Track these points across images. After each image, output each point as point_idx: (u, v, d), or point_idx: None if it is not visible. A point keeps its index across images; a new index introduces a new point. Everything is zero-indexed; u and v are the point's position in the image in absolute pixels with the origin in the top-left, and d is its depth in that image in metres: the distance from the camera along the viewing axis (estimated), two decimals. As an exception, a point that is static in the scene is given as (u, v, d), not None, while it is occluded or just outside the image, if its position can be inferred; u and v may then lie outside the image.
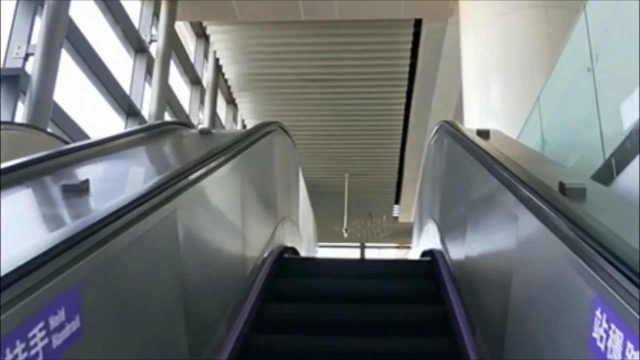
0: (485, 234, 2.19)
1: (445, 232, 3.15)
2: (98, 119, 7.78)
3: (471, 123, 7.58)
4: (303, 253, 5.06)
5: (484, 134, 2.74)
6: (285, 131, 4.20)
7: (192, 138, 2.84)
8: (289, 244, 4.15)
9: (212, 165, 1.99)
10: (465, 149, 2.54)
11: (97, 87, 7.30)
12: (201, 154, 2.07)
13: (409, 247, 20.02)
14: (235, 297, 2.32)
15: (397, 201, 16.68)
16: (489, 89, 7.26)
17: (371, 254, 20.28)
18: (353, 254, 20.10)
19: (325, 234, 18.53)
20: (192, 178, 1.81)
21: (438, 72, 10.29)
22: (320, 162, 14.55)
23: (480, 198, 2.31)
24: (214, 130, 2.90)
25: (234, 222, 2.36)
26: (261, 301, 2.70)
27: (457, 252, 2.75)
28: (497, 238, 2.01)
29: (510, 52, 6.99)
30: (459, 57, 8.32)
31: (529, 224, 1.63)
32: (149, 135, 2.75)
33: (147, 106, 8.18)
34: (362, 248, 20.32)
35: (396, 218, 17.61)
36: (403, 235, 19.07)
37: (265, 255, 2.99)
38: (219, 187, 2.14)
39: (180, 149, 2.49)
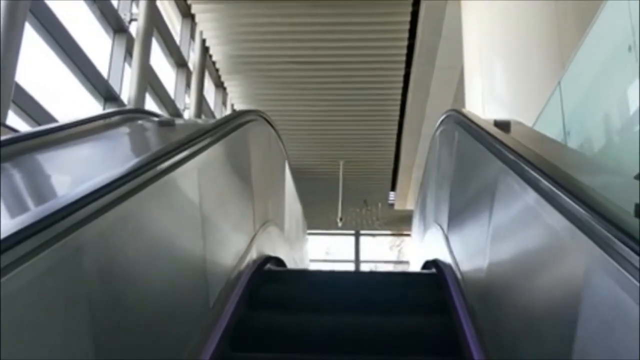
0: (522, 256, 1.69)
1: (455, 242, 2.65)
2: (73, 104, 7.24)
3: (474, 108, 7.09)
4: (290, 263, 4.54)
5: (503, 125, 2.24)
6: (268, 121, 3.67)
7: (148, 131, 2.34)
8: (273, 253, 3.63)
9: (150, 174, 1.48)
10: (485, 146, 2.05)
11: (71, 69, 6.76)
12: (140, 159, 1.57)
13: (403, 235, 19.66)
14: (188, 344, 1.78)
15: (393, 188, 16.20)
16: (493, 72, 6.76)
17: (367, 243, 19.88)
18: (347, 242, 19.69)
19: (319, 222, 18.12)
20: (110, 199, 1.28)
21: (437, 54, 9.76)
22: (314, 149, 14.03)
23: (510, 209, 1.81)
24: (177, 121, 2.39)
25: (187, 242, 1.84)
26: (227, 348, 2.15)
27: (473, 269, 2.25)
28: (543, 265, 1.52)
29: (517, 32, 6.49)
30: (460, 38, 7.81)
31: (591, 255, 1.14)
32: (99, 126, 2.24)
33: (127, 90, 7.64)
34: (357, 236, 19.91)
35: (392, 205, 17.15)
36: (399, 223, 18.64)
37: (239, 271, 2.46)
38: (162, 200, 1.63)
39: (122, 148, 1.97)
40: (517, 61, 6.39)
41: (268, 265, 3.33)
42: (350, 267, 19.63)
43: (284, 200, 4.48)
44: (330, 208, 15.52)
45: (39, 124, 5.92)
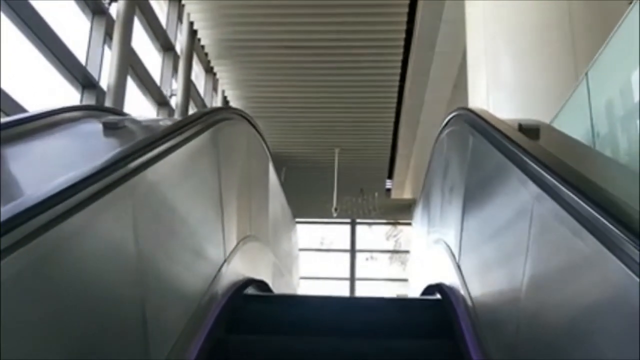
0: (572, 308, 1.25)
1: (470, 270, 2.19)
2: (47, 92, 6.75)
3: (477, 96, 6.64)
4: (277, 286, 4.04)
5: (531, 131, 1.80)
6: (247, 119, 3.18)
7: (84, 138, 1.88)
8: (255, 275, 3.16)
9: (58, 210, 1.05)
10: (514, 162, 1.59)
11: (44, 53, 6.27)
12: (58, 183, 1.13)
13: (400, 224, 19.25)
14: None
15: (390, 176, 15.76)
16: (498, 58, 6.29)
17: (363, 232, 19.47)
18: (343, 231, 19.28)
19: (314, 210, 17.70)
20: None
21: (437, 38, 9.26)
22: (309, 136, 13.57)
23: (556, 248, 1.37)
24: (127, 122, 1.93)
25: (116, 292, 1.39)
26: None
27: (498, 308, 1.80)
28: (604, 323, 1.10)
29: (524, 15, 6.02)
30: (462, 22, 7.33)
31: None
32: (25, 130, 1.78)
33: (107, 76, 7.15)
34: (353, 225, 19.50)
35: (389, 193, 16.72)
36: (395, 212, 18.23)
37: (201, 315, 1.98)
38: (72, 245, 1.18)
39: (33, 168, 1.51)
40: (525, 46, 5.92)
41: (249, 289, 2.88)
42: (347, 263, 19.23)
43: (267, 208, 3.99)
44: (325, 197, 15.09)
45: (8, 115, 5.46)
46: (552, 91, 5.58)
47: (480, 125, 2.05)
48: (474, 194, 2.17)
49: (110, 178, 1.29)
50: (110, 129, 1.85)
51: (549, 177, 1.36)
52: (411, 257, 7.91)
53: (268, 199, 3.99)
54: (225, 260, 2.38)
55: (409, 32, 9.71)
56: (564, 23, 5.78)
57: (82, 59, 6.78)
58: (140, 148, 1.58)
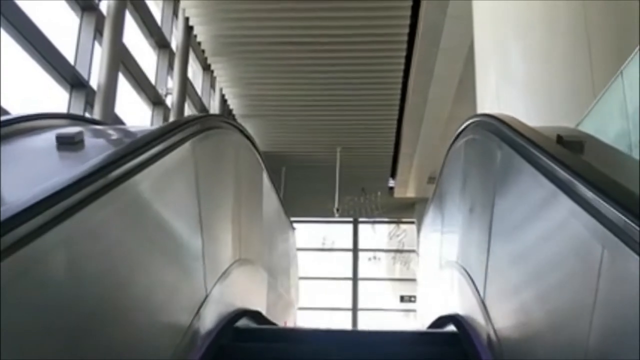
0: None
1: (497, 305, 1.84)
2: (33, 92, 6.43)
3: (485, 93, 6.32)
4: (272, 313, 3.68)
5: (574, 145, 1.47)
6: (234, 126, 2.81)
7: (36, 154, 1.56)
8: (246, 304, 2.82)
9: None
10: (564, 190, 1.27)
11: (30, 52, 5.94)
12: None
13: (402, 222, 18.92)
14: None
15: (392, 175, 15.42)
16: (508, 53, 5.96)
17: (365, 231, 19.14)
18: (345, 230, 18.97)
19: (316, 210, 17.38)
20: None
21: (442, 34, 8.91)
22: (309, 135, 13.24)
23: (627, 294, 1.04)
24: (88, 135, 1.60)
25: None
26: None
27: (533, 347, 1.47)
28: None
29: (536, 8, 5.69)
30: (468, 17, 6.99)
31: None
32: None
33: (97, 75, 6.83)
34: (355, 224, 19.19)
35: (391, 193, 16.39)
36: (398, 211, 17.91)
37: (180, 354, 1.67)
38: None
39: None
40: (537, 40, 5.59)
41: (242, 321, 2.55)
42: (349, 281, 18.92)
43: (261, 224, 3.64)
44: (326, 196, 14.78)
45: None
46: (566, 88, 5.28)
47: (510, 137, 1.72)
48: (505, 218, 1.84)
49: (38, 219, 0.98)
50: (64, 144, 1.53)
51: (617, 213, 1.04)
52: (418, 278, 7.43)
53: (262, 214, 3.64)
54: (206, 296, 2.06)
55: (413, 28, 9.36)
56: (577, 16, 5.46)
57: (70, 57, 6.46)
58: (89, 174, 1.26)
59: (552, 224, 1.43)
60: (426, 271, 4.87)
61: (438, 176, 3.85)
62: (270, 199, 4.12)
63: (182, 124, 1.87)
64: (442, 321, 2.96)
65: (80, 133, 1.57)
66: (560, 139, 1.52)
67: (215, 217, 2.35)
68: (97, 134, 1.81)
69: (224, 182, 2.57)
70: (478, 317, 2.03)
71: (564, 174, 1.35)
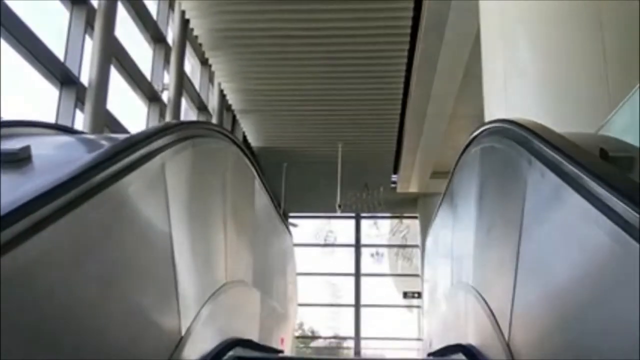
0: None
1: (527, 341, 1.57)
2: (21, 89, 6.19)
3: (493, 85, 6.06)
4: (267, 337, 3.40)
5: (621, 161, 1.22)
6: (218, 131, 2.54)
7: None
8: (235, 333, 2.56)
9: None
10: (606, 215, 1.02)
11: (17, 49, 5.69)
12: None
13: (405, 217, 18.66)
14: None
15: (395, 170, 15.16)
16: (517, 43, 5.70)
17: (367, 227, 18.91)
18: (347, 226, 18.74)
19: (317, 206, 17.15)
20: None
21: (446, 27, 8.63)
22: (310, 130, 12.99)
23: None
24: (37, 150, 1.35)
25: None
26: None
27: None
28: None
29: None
30: (473, 9, 6.72)
31: None
32: None
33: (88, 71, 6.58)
34: (358, 219, 18.96)
35: (394, 188, 16.13)
36: (400, 206, 17.66)
37: None
38: None
39: None
40: (547, 32, 5.32)
41: (234, 350, 2.29)
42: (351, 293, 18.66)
43: (252, 239, 3.35)
44: (328, 191, 14.52)
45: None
46: (581, 80, 5.03)
47: (542, 150, 1.44)
48: (539, 246, 1.55)
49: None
50: (8, 162, 1.29)
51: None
52: (424, 303, 7.03)
53: (253, 227, 3.37)
54: (181, 339, 1.80)
55: (416, 20, 9.08)
56: (589, 7, 5.20)
57: (60, 53, 6.22)
58: (30, 201, 1.02)
59: (602, 259, 1.18)
60: (433, 291, 4.49)
61: (447, 184, 3.54)
62: (262, 207, 3.83)
63: (151, 134, 1.60)
64: (451, 349, 2.71)
65: (25, 149, 1.33)
66: (604, 154, 1.27)
67: (195, 241, 2.09)
68: (55, 147, 1.57)
69: (206, 199, 2.31)
70: (497, 353, 1.77)
71: (617, 202, 1.10)
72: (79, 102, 6.38)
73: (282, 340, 4.36)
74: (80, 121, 6.32)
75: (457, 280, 2.84)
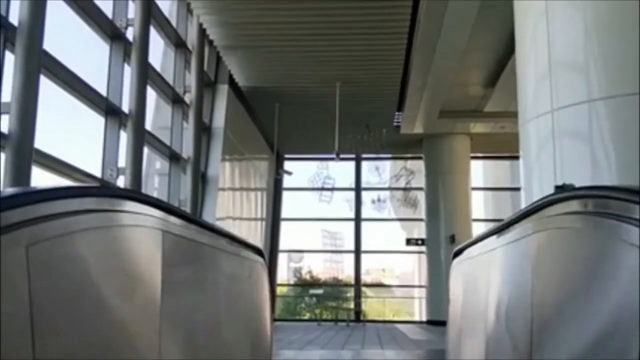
0: None
1: None
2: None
3: (526, 24, 4.81)
4: None
5: None
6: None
7: None
8: None
9: None
10: None
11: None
12: None
13: (408, 158, 17.46)
14: None
15: (399, 109, 13.84)
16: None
17: (367, 169, 17.78)
18: (347, 168, 17.61)
19: (315, 147, 15.98)
20: None
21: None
22: (306, 68, 11.64)
23: None
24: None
25: None
26: None
27: None
28: None
29: None
30: None
31: None
32: None
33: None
34: (358, 161, 17.82)
35: (397, 128, 14.89)
36: (404, 148, 16.47)
37: None
38: None
39: None
40: None
41: None
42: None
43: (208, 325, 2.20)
44: (326, 134, 13.32)
45: None
46: None
47: None
48: None
49: None
50: None
51: None
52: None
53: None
54: None
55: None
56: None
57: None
58: None
59: None
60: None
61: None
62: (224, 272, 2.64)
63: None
64: None
65: None
66: None
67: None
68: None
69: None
70: None
71: None
72: (9, 43, 5.08)
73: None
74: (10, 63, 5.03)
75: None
